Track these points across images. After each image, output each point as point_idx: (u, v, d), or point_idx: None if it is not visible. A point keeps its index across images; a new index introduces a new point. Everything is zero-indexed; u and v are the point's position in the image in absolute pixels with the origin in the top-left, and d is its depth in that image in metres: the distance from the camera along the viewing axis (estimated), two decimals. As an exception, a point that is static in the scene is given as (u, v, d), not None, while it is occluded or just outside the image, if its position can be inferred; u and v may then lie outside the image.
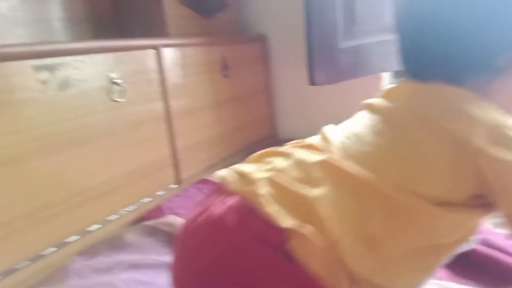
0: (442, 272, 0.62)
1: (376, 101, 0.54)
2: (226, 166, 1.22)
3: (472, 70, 0.50)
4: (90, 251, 0.76)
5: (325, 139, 0.53)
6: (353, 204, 0.44)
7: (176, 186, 1.05)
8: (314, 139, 0.54)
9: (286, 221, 0.42)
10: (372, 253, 0.43)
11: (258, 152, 0.56)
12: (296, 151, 0.52)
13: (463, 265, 0.62)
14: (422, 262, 0.46)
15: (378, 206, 0.44)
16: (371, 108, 0.54)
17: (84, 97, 0.79)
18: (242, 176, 0.50)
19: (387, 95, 0.54)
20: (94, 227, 0.83)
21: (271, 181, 0.47)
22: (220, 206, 0.47)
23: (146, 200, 0.95)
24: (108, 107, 0.84)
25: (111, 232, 0.83)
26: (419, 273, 0.47)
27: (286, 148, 0.54)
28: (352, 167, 0.46)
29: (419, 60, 0.54)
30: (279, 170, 0.49)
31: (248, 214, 0.45)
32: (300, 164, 0.49)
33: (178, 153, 1.04)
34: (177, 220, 0.85)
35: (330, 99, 1.47)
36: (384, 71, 1.40)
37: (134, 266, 0.72)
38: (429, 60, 0.52)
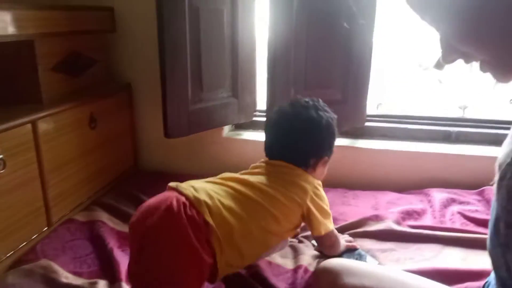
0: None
1: (255, 169, 1.12)
2: (91, 203, 1.50)
3: (300, 163, 1.10)
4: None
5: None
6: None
7: (47, 228, 1.31)
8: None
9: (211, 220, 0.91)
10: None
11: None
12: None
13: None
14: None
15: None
16: (252, 172, 1.11)
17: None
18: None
19: (262, 166, 1.12)
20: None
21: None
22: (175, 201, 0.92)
23: (23, 244, 1.20)
24: (-8, 179, 1.08)
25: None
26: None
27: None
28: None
29: (276, 153, 1.13)
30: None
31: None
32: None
33: (49, 202, 1.31)
34: (49, 263, 1.13)
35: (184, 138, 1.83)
36: (225, 124, 1.81)
37: (16, 303, 1.00)
38: (280, 154, 1.11)
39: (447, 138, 1.73)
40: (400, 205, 1.47)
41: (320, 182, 1.13)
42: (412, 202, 1.50)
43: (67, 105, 1.39)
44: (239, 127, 1.93)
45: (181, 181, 1.05)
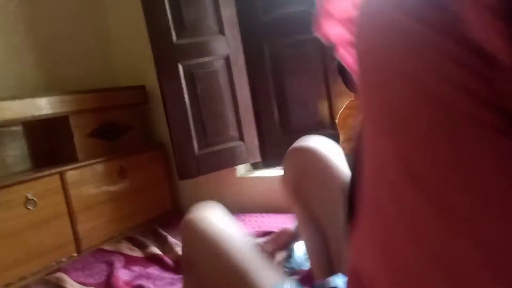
0: None
1: None
2: (123, 239, 1.87)
3: None
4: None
5: None
6: None
7: (76, 254, 1.70)
8: None
9: None
10: None
11: None
12: None
13: None
14: None
15: None
16: None
17: (6, 209, 1.49)
18: None
19: None
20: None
21: None
22: None
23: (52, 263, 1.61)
24: (25, 212, 1.53)
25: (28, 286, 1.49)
26: None
27: None
28: None
29: None
30: None
31: None
32: None
33: (79, 234, 1.71)
34: (62, 275, 1.50)
35: (216, 175, 2.11)
36: (235, 165, 2.07)
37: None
38: None
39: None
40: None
41: None
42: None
43: (97, 159, 1.84)
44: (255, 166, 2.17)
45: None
